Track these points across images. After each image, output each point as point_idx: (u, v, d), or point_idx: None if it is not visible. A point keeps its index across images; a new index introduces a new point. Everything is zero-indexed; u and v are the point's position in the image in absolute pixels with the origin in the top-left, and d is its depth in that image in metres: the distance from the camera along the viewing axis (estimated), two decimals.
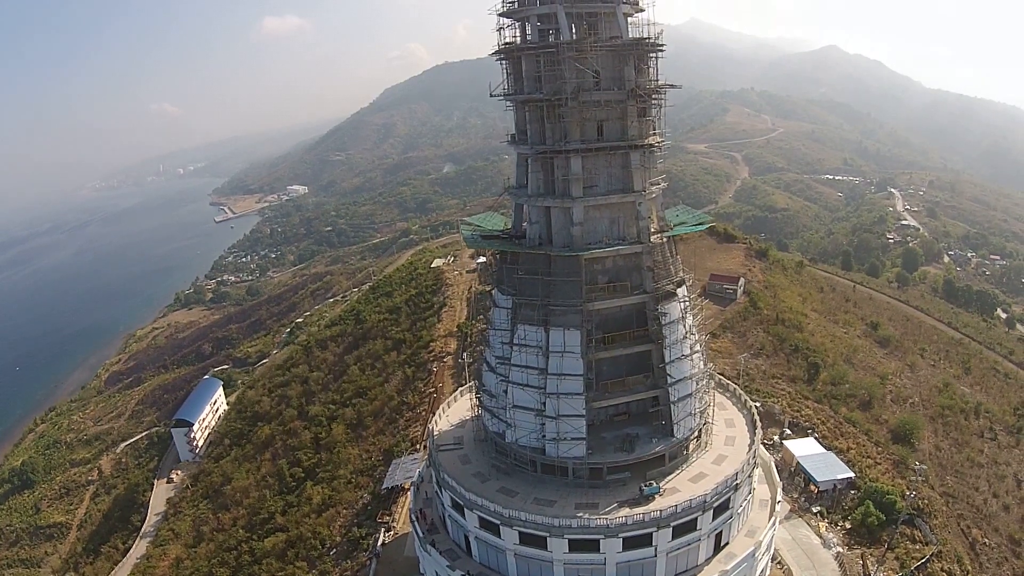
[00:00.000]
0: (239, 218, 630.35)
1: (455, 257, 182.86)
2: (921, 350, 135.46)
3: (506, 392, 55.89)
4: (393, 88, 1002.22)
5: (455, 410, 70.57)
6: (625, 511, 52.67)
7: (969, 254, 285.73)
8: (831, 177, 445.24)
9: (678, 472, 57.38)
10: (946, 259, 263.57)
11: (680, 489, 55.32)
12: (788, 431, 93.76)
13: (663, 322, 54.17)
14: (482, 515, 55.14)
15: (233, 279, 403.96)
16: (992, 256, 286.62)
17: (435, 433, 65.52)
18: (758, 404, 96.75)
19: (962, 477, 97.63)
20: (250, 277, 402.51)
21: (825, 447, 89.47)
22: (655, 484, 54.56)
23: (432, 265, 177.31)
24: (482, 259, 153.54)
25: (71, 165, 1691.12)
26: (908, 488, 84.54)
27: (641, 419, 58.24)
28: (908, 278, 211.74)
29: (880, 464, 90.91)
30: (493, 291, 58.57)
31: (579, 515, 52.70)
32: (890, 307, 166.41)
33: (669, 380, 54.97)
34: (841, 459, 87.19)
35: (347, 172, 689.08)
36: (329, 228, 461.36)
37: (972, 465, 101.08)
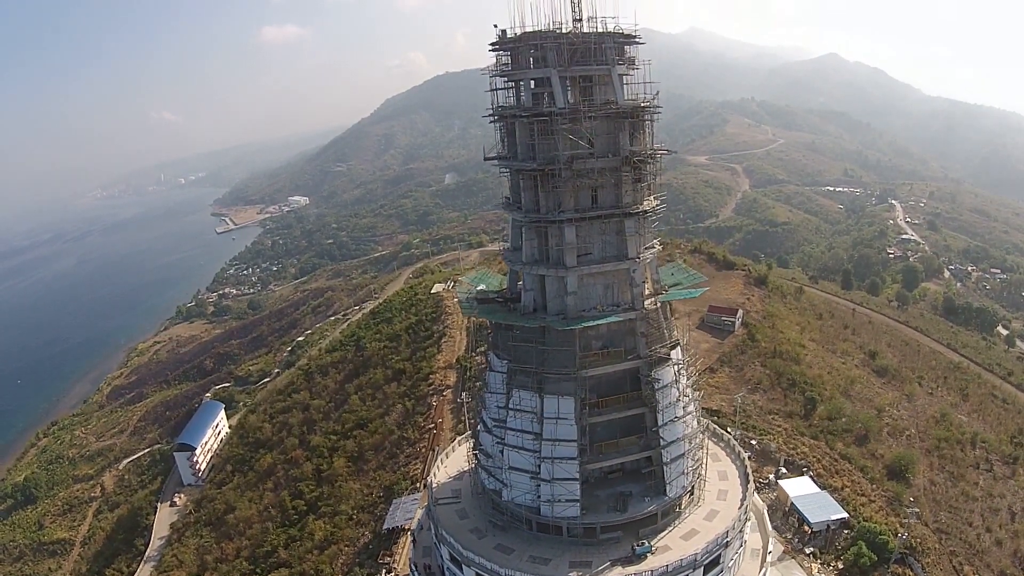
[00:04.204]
0: (240, 229, 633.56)
1: (455, 282, 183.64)
2: (919, 378, 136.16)
3: (502, 453, 56.92)
4: (394, 98, 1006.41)
5: (453, 460, 71.51)
6: (618, 570, 53.57)
7: (969, 268, 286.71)
8: (832, 189, 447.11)
9: (670, 529, 58.21)
10: (946, 274, 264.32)
11: (672, 547, 56.22)
12: (783, 469, 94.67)
13: (656, 387, 55.10)
14: (479, 572, 56.05)
15: (235, 292, 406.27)
16: (992, 270, 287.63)
17: (433, 485, 66.53)
18: (754, 442, 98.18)
19: (956, 512, 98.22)
20: (251, 290, 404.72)
21: (820, 486, 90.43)
22: (647, 543, 55.53)
23: (432, 291, 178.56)
24: (481, 287, 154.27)
25: (72, 173, 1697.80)
26: (901, 526, 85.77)
27: (635, 476, 59.12)
28: (908, 297, 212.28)
29: (874, 502, 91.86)
30: (488, 354, 59.58)
31: (572, 574, 53.64)
32: (889, 330, 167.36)
33: (662, 442, 55.88)
34: (835, 498, 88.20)
35: (348, 183, 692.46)
36: (330, 241, 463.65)
37: (967, 499, 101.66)
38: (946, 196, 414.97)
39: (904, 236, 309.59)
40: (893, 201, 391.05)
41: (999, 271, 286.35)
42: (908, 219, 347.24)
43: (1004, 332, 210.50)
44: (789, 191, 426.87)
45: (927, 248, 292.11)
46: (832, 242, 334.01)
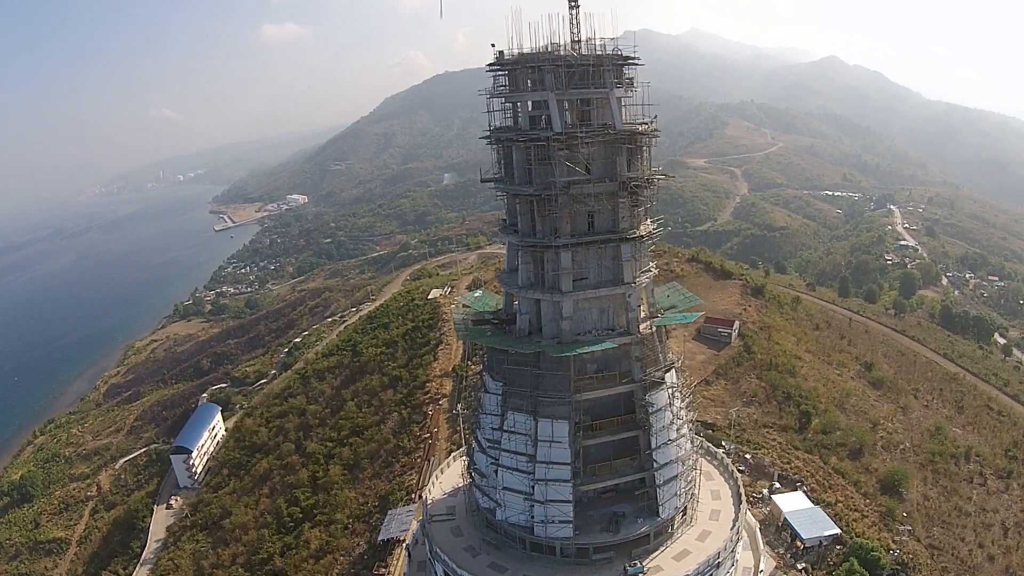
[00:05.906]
0: (239, 227, 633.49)
1: (451, 288, 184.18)
2: (914, 390, 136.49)
3: (496, 473, 57.24)
4: (393, 97, 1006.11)
5: (448, 476, 71.84)
6: None
7: (967, 275, 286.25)
8: (830, 193, 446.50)
9: (662, 550, 58.57)
10: (944, 281, 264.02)
11: (663, 568, 56.63)
12: (777, 484, 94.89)
13: (650, 410, 55.44)
14: None
15: (232, 291, 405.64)
16: (991, 277, 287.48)
17: (428, 501, 66.84)
18: (748, 456, 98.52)
19: (949, 527, 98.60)
20: (249, 289, 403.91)
21: (813, 501, 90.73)
22: (639, 564, 55.96)
23: (429, 297, 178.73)
24: (478, 292, 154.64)
25: (72, 170, 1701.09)
26: (893, 542, 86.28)
27: (628, 496, 59.42)
28: (905, 304, 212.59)
29: (867, 517, 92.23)
30: (483, 375, 59.93)
31: None
32: (886, 340, 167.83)
33: (655, 465, 56.25)
34: (828, 513, 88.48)
35: (347, 182, 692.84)
36: (328, 240, 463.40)
37: (960, 514, 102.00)
38: (945, 202, 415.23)
39: (902, 242, 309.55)
40: (892, 206, 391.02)
41: (997, 278, 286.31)
42: (906, 225, 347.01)
43: (1001, 341, 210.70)
44: (787, 195, 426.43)
45: (925, 255, 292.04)
46: (830, 247, 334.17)
